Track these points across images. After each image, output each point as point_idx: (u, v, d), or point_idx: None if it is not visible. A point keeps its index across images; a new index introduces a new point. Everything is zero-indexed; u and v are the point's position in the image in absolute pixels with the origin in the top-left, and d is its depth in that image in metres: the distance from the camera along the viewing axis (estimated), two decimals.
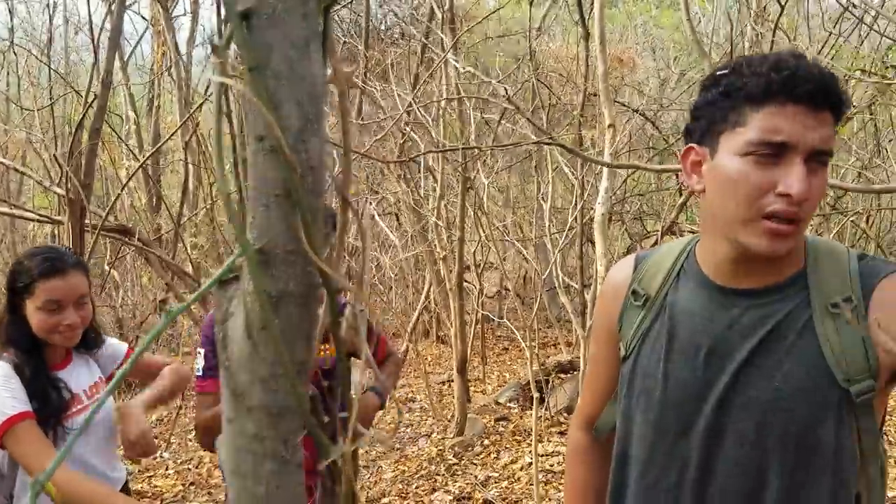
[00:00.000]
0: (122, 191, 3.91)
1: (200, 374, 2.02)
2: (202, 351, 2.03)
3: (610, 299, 1.29)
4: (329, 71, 0.50)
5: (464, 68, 3.83)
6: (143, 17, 6.91)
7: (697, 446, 1.12)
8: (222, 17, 0.51)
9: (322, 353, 2.09)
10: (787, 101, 0.99)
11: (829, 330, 1.03)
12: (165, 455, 5.17)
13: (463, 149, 4.22)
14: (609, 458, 1.30)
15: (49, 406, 1.87)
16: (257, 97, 0.46)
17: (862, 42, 6.10)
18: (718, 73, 1.08)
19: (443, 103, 5.16)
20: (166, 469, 4.94)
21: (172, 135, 5.59)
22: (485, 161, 6.31)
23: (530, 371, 4.36)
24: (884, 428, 1.22)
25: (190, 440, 5.52)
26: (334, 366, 2.04)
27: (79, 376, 2.01)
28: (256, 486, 0.51)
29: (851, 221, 6.23)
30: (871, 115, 6.41)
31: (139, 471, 4.86)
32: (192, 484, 4.65)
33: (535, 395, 3.75)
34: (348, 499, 0.49)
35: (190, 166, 6.56)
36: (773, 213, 1.00)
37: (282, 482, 0.51)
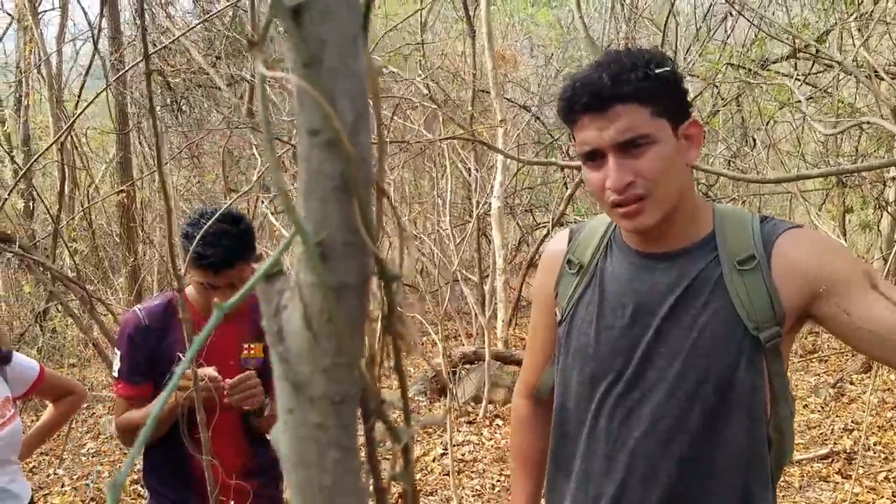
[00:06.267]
0: (8, 195, 3.63)
1: (116, 375, 1.97)
2: (118, 352, 1.97)
3: (547, 269, 1.42)
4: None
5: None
6: (8, 14, 6.41)
7: (627, 393, 1.24)
8: (259, 12, 0.52)
9: (247, 352, 2.06)
10: (579, 115, 1.16)
11: (738, 285, 1.17)
12: (60, 471, 4.88)
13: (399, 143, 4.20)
14: (550, 421, 1.41)
15: None
16: (323, 92, 0.47)
17: (728, 37, 6.55)
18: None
19: None
20: (62, 486, 4.67)
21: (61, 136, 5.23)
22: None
23: (444, 362, 4.42)
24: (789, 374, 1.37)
25: (84, 455, 5.25)
26: (260, 365, 2.02)
27: None
28: (322, 475, 0.51)
29: None
30: (738, 107, 6.90)
31: (32, 489, 4.58)
32: (92, 500, 4.41)
33: (449, 385, 3.81)
34: (410, 479, 0.51)
35: (65, 168, 6.16)
36: (612, 203, 1.16)
37: (346, 470, 0.52)
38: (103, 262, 8.50)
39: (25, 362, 2.08)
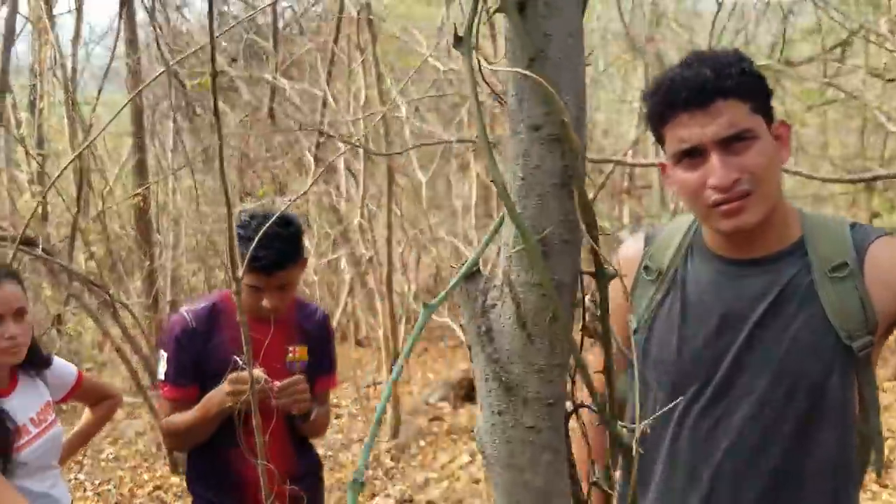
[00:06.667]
0: (42, 198, 3.63)
1: (162, 378, 1.97)
2: (165, 354, 1.98)
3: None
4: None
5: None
6: (26, 17, 6.40)
7: (714, 403, 1.20)
8: (475, 5, 0.50)
9: (292, 354, 2.05)
10: (677, 112, 1.12)
11: (830, 292, 1.14)
12: (81, 476, 4.89)
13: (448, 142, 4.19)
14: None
15: None
16: (550, 86, 0.45)
17: (748, 41, 6.53)
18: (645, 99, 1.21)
19: (363, 98, 5.14)
20: (84, 491, 4.67)
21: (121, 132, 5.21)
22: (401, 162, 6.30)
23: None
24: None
25: (103, 460, 5.25)
26: (305, 368, 2.01)
27: (25, 403, 1.88)
28: (535, 477, 0.50)
29: None
30: None
31: None
32: None
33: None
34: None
35: (82, 171, 6.16)
36: (714, 203, 1.12)
37: (557, 472, 0.51)
38: (117, 266, 8.49)
39: (64, 367, 2.09)
